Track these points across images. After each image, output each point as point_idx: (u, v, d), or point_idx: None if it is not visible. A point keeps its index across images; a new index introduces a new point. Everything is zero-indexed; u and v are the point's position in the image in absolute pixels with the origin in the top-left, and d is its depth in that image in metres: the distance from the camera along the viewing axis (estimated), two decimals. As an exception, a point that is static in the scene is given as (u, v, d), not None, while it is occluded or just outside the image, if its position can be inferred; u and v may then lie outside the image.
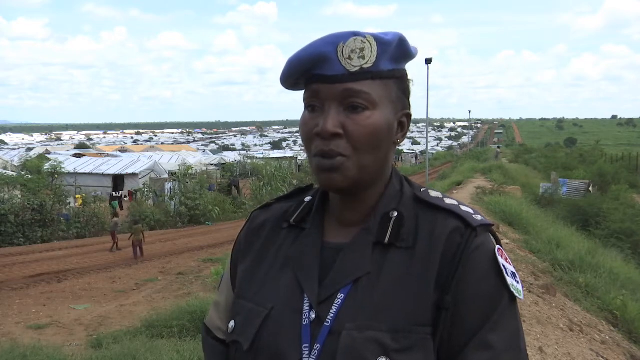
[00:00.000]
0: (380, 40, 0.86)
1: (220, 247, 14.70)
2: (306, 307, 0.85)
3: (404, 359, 0.79)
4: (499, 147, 46.55)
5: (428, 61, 22.18)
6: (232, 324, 0.94)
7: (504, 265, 0.85)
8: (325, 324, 0.83)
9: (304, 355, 0.83)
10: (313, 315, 0.84)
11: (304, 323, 0.84)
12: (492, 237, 0.88)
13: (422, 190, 0.92)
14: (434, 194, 0.92)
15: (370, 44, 0.85)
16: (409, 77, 0.93)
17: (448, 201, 0.90)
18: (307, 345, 0.83)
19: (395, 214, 0.89)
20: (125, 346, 5.49)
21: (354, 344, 0.80)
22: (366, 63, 0.85)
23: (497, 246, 0.87)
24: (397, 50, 0.88)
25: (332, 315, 0.83)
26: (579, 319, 5.75)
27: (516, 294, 0.85)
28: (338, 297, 0.84)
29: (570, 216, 15.95)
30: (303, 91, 0.91)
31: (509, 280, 0.84)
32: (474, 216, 0.87)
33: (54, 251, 14.42)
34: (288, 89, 0.93)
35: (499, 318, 0.83)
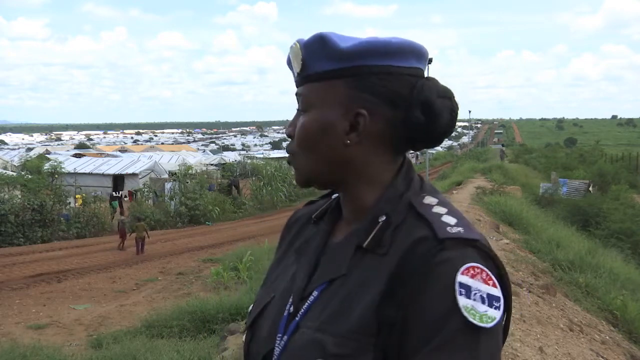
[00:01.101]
0: (307, 45, 0.89)
1: (220, 247, 14.71)
2: (290, 299, 0.90)
3: None
4: (503, 146, 45.65)
5: (428, 61, 22.20)
6: (250, 308, 1.01)
7: (467, 286, 0.76)
8: (296, 318, 0.86)
9: (277, 345, 0.87)
10: (292, 309, 0.88)
11: (284, 314, 0.89)
12: (474, 253, 0.79)
13: (421, 194, 0.88)
14: (427, 200, 0.87)
15: (299, 50, 0.89)
16: (375, 71, 0.86)
17: (436, 209, 0.84)
18: (280, 335, 0.88)
19: (384, 218, 0.86)
20: (125, 346, 5.50)
21: (302, 343, 0.83)
22: (299, 68, 0.89)
23: (473, 264, 0.77)
24: (326, 50, 0.86)
25: (302, 311, 0.86)
26: (579, 319, 5.75)
27: (473, 320, 0.74)
28: (313, 294, 0.87)
29: (570, 216, 15.95)
30: None
31: (464, 302, 0.75)
32: (448, 228, 0.80)
33: (54, 251, 14.42)
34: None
35: (443, 343, 0.74)
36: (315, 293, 0.86)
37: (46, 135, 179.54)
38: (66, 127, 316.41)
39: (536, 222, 11.98)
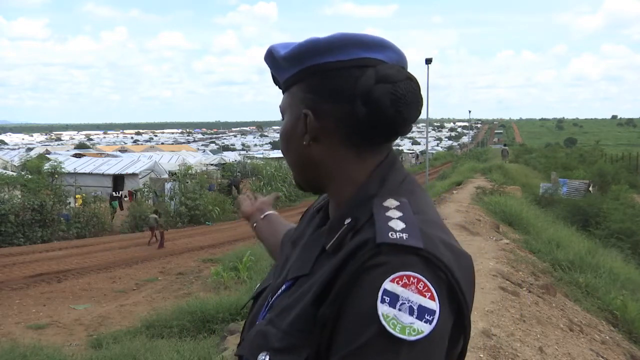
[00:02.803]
0: (265, 59, 0.95)
1: (220, 247, 14.71)
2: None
3: (279, 359, 0.80)
4: (505, 145, 45.54)
5: (428, 61, 22.16)
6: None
7: (394, 294, 0.72)
8: (265, 310, 0.90)
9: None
10: (271, 300, 0.91)
11: (266, 304, 0.92)
12: (416, 261, 0.74)
13: (386, 196, 0.84)
14: (388, 202, 0.82)
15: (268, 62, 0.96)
16: (316, 71, 0.87)
17: (390, 213, 0.80)
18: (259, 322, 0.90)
19: (349, 220, 0.83)
20: (125, 346, 5.50)
21: (256, 334, 0.85)
22: (274, 79, 0.97)
23: (408, 272, 0.73)
24: (275, 60, 0.93)
25: (270, 303, 0.90)
26: (579, 319, 5.75)
27: (391, 331, 0.71)
28: (282, 288, 0.89)
29: (570, 216, 15.93)
30: None
31: (386, 311, 0.71)
32: (390, 233, 0.76)
33: (54, 251, 14.43)
34: None
35: (359, 349, 0.72)
36: (283, 287, 0.89)
37: (46, 135, 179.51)
38: (66, 127, 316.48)
39: (536, 222, 11.97)
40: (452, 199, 13.77)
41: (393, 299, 0.72)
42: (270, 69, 0.96)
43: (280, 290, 0.88)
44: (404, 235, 0.76)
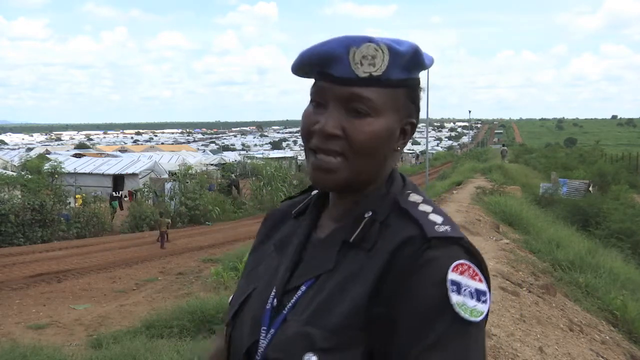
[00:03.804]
0: (393, 50, 0.86)
1: (220, 247, 14.70)
2: (272, 293, 0.91)
3: (330, 359, 0.81)
4: (504, 145, 45.99)
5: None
6: (230, 298, 1.02)
7: (458, 283, 0.79)
8: (283, 312, 0.88)
9: (261, 337, 0.88)
10: (275, 302, 0.89)
11: (267, 307, 0.90)
12: (460, 251, 0.82)
13: (406, 192, 0.91)
14: (412, 197, 0.90)
15: (383, 53, 0.86)
16: (421, 85, 0.93)
17: (422, 208, 0.87)
18: (264, 328, 0.88)
19: (370, 214, 0.89)
20: (125, 346, 5.49)
21: (289, 336, 0.84)
22: (375, 71, 0.86)
23: (461, 261, 0.80)
24: (410, 61, 0.88)
25: (289, 305, 0.88)
26: (579, 319, 5.75)
27: (464, 315, 0.77)
28: (300, 289, 0.88)
29: (570, 216, 15.93)
30: (312, 85, 0.93)
31: (456, 299, 0.78)
32: (436, 227, 0.83)
33: (54, 251, 14.42)
34: (298, 76, 0.95)
35: (438, 339, 0.77)
36: (303, 287, 0.88)
37: (46, 135, 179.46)
38: (66, 127, 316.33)
39: (536, 222, 11.97)
40: (452, 199, 13.78)
41: (458, 287, 0.78)
42: (394, 60, 0.86)
43: (300, 291, 0.88)
44: (447, 228, 0.83)
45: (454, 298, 0.78)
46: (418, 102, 0.93)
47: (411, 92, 0.91)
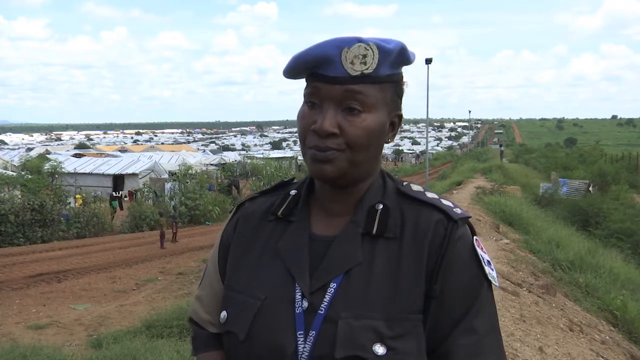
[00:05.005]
0: (382, 49, 0.91)
1: (220, 247, 14.69)
2: (298, 296, 0.90)
3: (398, 345, 0.85)
4: (501, 146, 46.43)
5: (428, 61, 22.12)
6: (223, 314, 0.97)
7: (481, 256, 0.93)
8: (320, 312, 0.87)
9: (299, 342, 0.87)
10: (305, 304, 0.89)
11: (298, 311, 0.89)
12: (469, 228, 0.95)
13: (404, 184, 0.99)
14: (415, 187, 0.98)
15: (373, 52, 0.90)
16: (404, 79, 0.98)
17: (429, 195, 0.96)
18: (301, 332, 0.87)
19: (381, 206, 0.94)
20: (125, 346, 5.49)
21: (351, 331, 0.85)
22: (367, 69, 0.90)
23: (474, 237, 0.94)
24: (397, 58, 0.94)
25: (325, 303, 0.88)
26: (579, 319, 5.75)
27: (493, 282, 0.93)
28: (331, 286, 0.89)
29: (570, 216, 15.95)
30: (304, 87, 0.95)
31: (487, 269, 0.92)
32: (454, 209, 0.94)
33: (54, 251, 14.41)
34: (289, 78, 0.99)
35: (480, 305, 0.90)
36: (333, 285, 0.89)
37: (46, 135, 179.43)
38: (66, 127, 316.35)
39: (536, 222, 11.98)
40: (453, 198, 13.77)
41: (484, 259, 0.93)
42: (384, 58, 0.91)
43: (332, 288, 0.88)
44: (458, 210, 0.95)
45: (486, 269, 0.92)
46: (402, 95, 0.98)
47: (397, 86, 0.96)
